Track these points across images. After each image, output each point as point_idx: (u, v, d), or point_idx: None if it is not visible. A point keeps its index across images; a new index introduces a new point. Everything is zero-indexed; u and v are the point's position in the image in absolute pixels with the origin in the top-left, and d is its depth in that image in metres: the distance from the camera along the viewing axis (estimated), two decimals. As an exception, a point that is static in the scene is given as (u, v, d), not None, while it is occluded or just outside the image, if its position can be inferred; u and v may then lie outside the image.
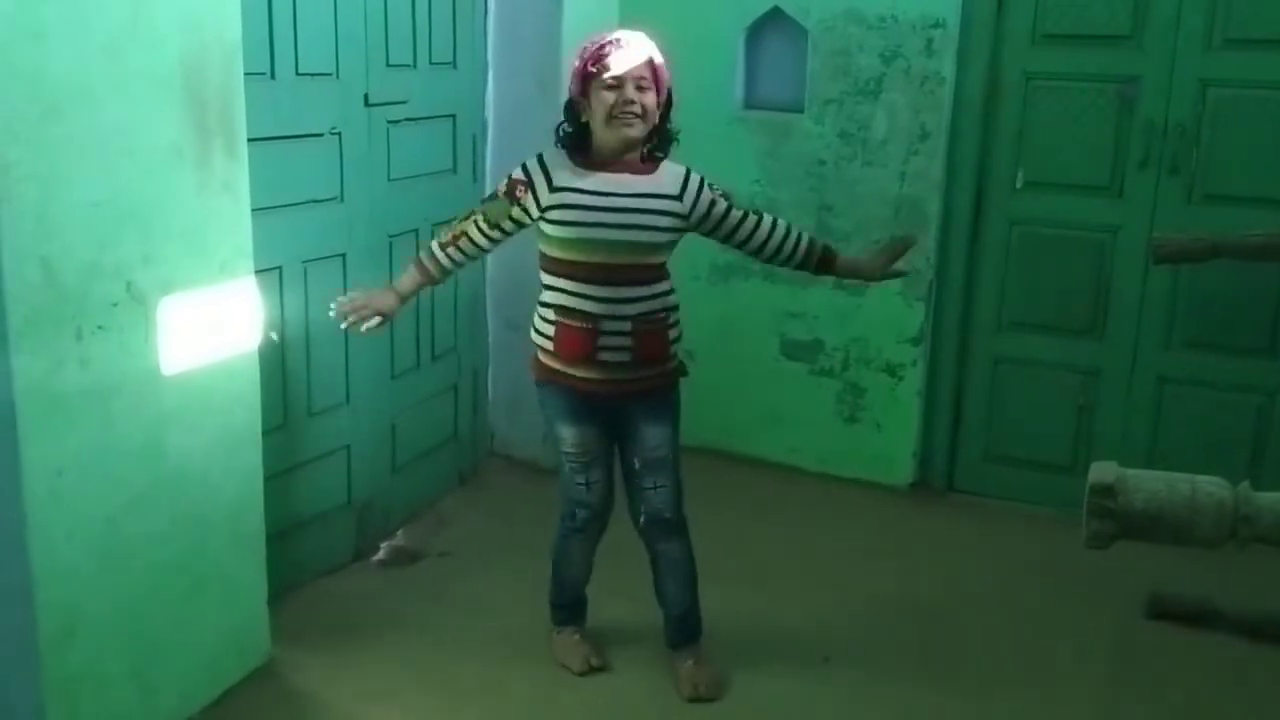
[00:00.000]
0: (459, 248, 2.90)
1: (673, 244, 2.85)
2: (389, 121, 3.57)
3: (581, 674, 3.06)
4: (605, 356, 2.78)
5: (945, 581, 3.65)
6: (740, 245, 2.90)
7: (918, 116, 4.06)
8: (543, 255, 2.84)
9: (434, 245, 2.94)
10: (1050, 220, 4.03)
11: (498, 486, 4.27)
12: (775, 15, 4.22)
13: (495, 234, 2.86)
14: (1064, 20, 3.88)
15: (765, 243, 2.88)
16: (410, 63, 3.66)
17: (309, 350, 3.37)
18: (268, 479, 3.00)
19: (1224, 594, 3.39)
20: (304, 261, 3.30)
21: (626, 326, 2.77)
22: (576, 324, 2.78)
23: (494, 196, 2.88)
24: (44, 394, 2.30)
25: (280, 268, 3.20)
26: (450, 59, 3.89)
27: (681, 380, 2.96)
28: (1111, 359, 4.03)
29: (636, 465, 2.91)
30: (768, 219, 2.89)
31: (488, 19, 4.10)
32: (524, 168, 2.81)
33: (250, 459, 2.91)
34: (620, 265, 2.75)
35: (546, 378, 2.89)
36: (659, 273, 2.83)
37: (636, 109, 2.69)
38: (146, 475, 2.58)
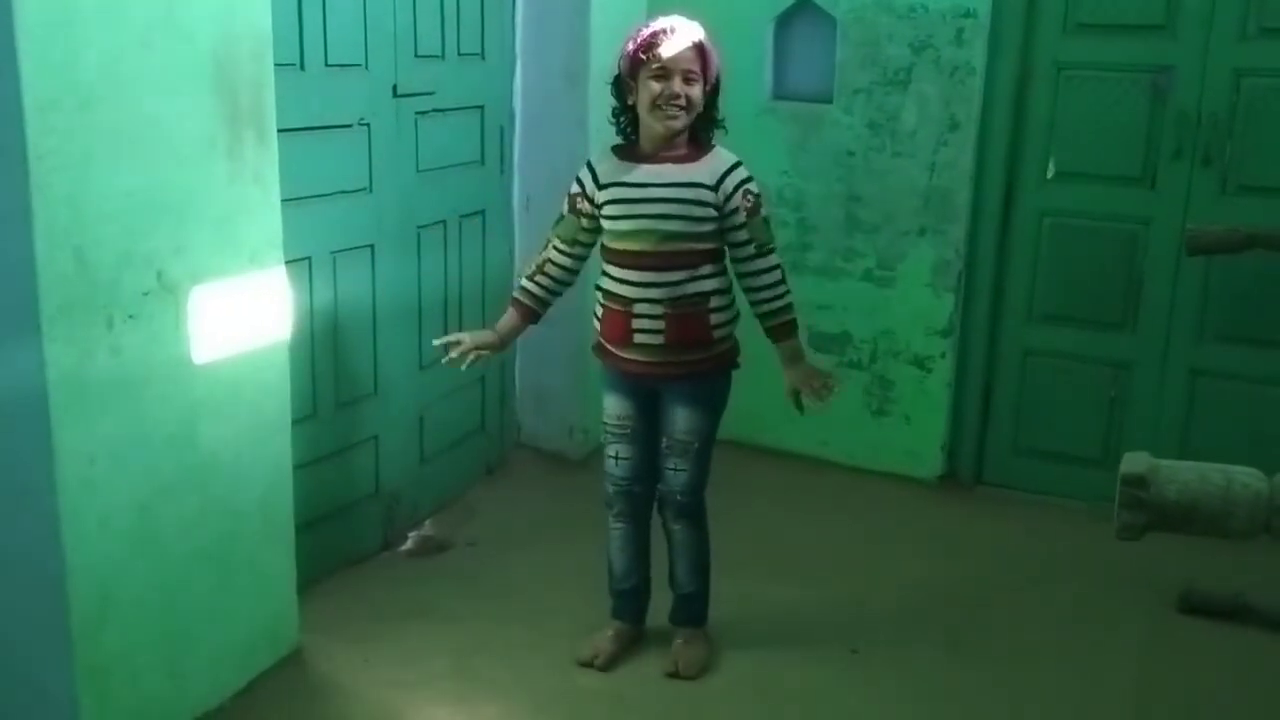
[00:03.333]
0: (545, 274, 2.99)
1: (715, 233, 2.84)
2: (417, 112, 3.58)
3: (579, 663, 3.08)
4: (640, 339, 2.87)
5: (974, 574, 3.64)
6: (731, 258, 2.91)
7: (948, 107, 4.03)
8: (601, 245, 2.94)
9: (523, 279, 3.03)
10: (1081, 211, 4.00)
11: (524, 478, 4.27)
12: (804, 5, 4.21)
13: (576, 249, 2.96)
14: (1096, 9, 3.85)
15: (749, 274, 2.90)
16: (439, 54, 3.67)
17: (337, 341, 3.38)
18: (297, 469, 3.02)
19: (1256, 589, 3.36)
20: (333, 252, 3.31)
21: (658, 310, 2.83)
22: (616, 307, 2.89)
23: (561, 218, 2.96)
24: (76, 382, 2.32)
25: (309, 258, 3.21)
26: (479, 50, 3.90)
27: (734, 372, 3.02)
28: (1143, 352, 3.99)
29: (664, 445, 2.98)
30: (767, 260, 2.89)
31: (516, 10, 4.10)
32: (577, 179, 2.92)
33: (280, 448, 2.93)
34: (654, 252, 2.82)
35: (600, 354, 3.01)
36: (700, 259, 2.83)
37: (682, 101, 2.75)
38: (177, 464, 2.60)
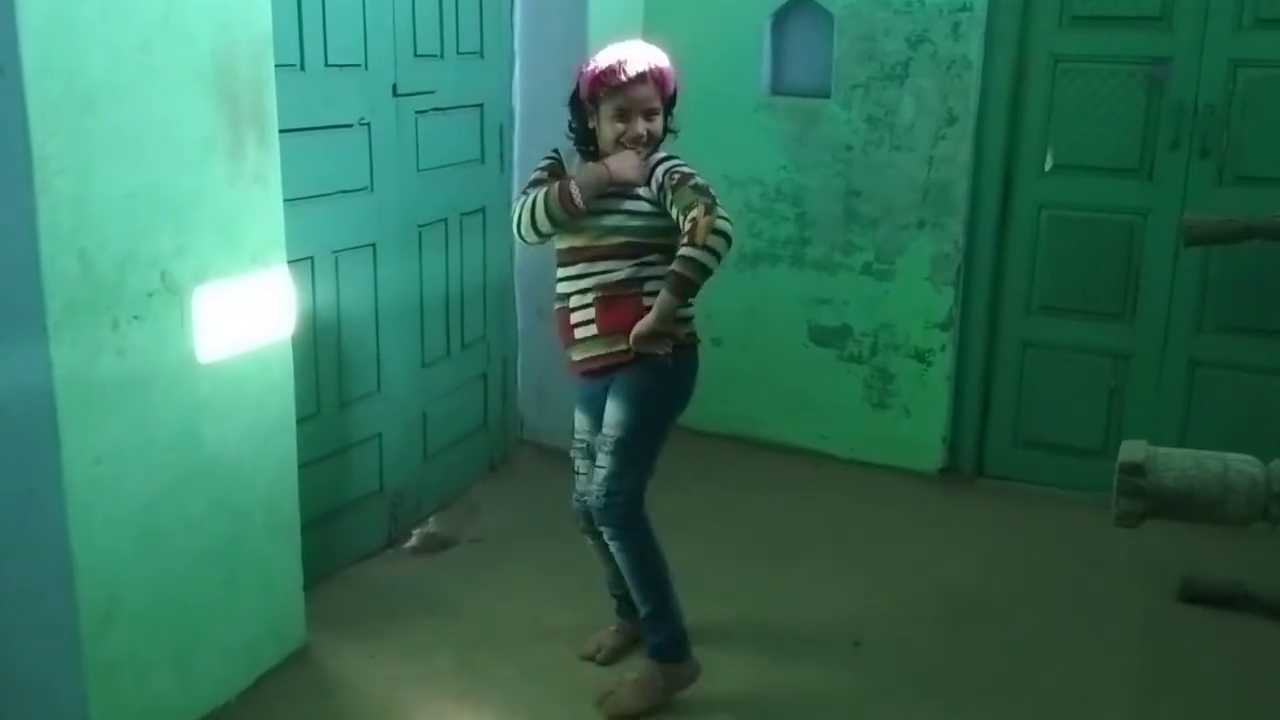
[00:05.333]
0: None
1: (653, 229, 2.76)
2: (417, 111, 3.59)
3: (581, 657, 3.07)
4: (579, 333, 2.83)
5: (975, 566, 3.65)
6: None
7: (945, 101, 4.04)
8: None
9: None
10: (1079, 203, 4.01)
11: (528, 474, 4.29)
12: (801, 0, 4.22)
13: None
14: (1092, 1, 3.86)
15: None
16: (438, 53, 3.68)
17: (341, 340, 3.39)
18: (301, 467, 3.03)
19: (1258, 578, 3.38)
20: (334, 251, 3.33)
21: (590, 299, 2.79)
22: (559, 306, 2.87)
23: (540, 182, 2.87)
24: (82, 383, 2.34)
25: (311, 258, 3.22)
26: (478, 49, 3.91)
27: (668, 371, 2.78)
28: (1142, 343, 4.01)
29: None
30: (693, 219, 2.63)
31: (515, 9, 4.12)
32: (549, 157, 2.92)
33: (284, 447, 2.95)
34: (590, 245, 2.79)
35: (566, 368, 2.96)
36: (639, 250, 2.77)
37: (644, 139, 2.76)
38: (183, 463, 2.62)
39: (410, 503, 3.78)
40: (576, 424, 2.99)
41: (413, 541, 3.73)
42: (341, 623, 3.18)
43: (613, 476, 2.81)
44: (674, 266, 2.66)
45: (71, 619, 2.41)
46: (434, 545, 3.72)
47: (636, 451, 2.82)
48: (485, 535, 3.80)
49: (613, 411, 2.82)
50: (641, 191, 2.76)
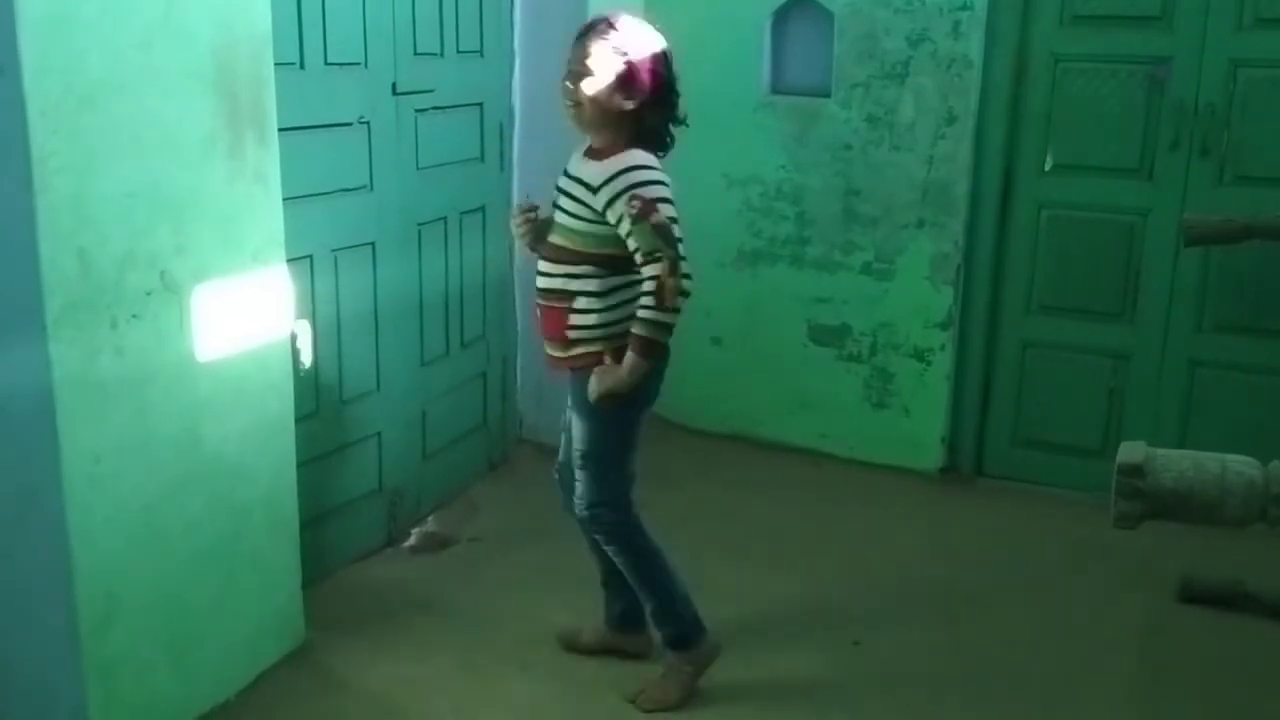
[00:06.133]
0: None
1: (596, 236, 2.66)
2: (417, 110, 3.59)
3: (561, 643, 3.12)
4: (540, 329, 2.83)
5: (975, 566, 3.65)
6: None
7: (945, 100, 4.04)
8: None
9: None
10: (1079, 203, 4.01)
11: (527, 473, 4.29)
12: (801, -1, 4.22)
13: None
14: (1093, 1, 3.86)
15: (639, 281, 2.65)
16: (438, 51, 3.68)
17: (340, 338, 3.39)
18: (300, 466, 3.04)
19: (1257, 578, 3.38)
20: (334, 250, 3.32)
21: (539, 299, 2.79)
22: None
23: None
24: (81, 382, 2.34)
25: (311, 256, 3.22)
26: (477, 47, 3.91)
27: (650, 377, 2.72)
28: (1142, 343, 4.01)
29: None
30: (648, 269, 2.58)
31: (514, 7, 4.11)
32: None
33: (284, 446, 2.95)
34: (553, 244, 2.75)
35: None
36: (578, 259, 2.68)
37: (569, 98, 2.67)
38: (182, 462, 2.62)
39: (409, 502, 3.78)
40: (562, 419, 2.95)
41: (412, 540, 3.73)
42: (340, 621, 3.18)
43: (590, 490, 2.81)
44: (639, 330, 2.60)
45: (71, 617, 2.41)
46: (433, 544, 3.73)
47: (606, 461, 2.80)
48: (484, 534, 3.80)
49: (575, 425, 2.81)
50: (584, 195, 2.66)
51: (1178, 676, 3.07)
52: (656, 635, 2.97)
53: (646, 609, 2.92)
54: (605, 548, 2.88)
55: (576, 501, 2.86)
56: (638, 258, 2.60)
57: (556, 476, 3.03)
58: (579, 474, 2.82)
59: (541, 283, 2.76)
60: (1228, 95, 3.73)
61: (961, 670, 3.09)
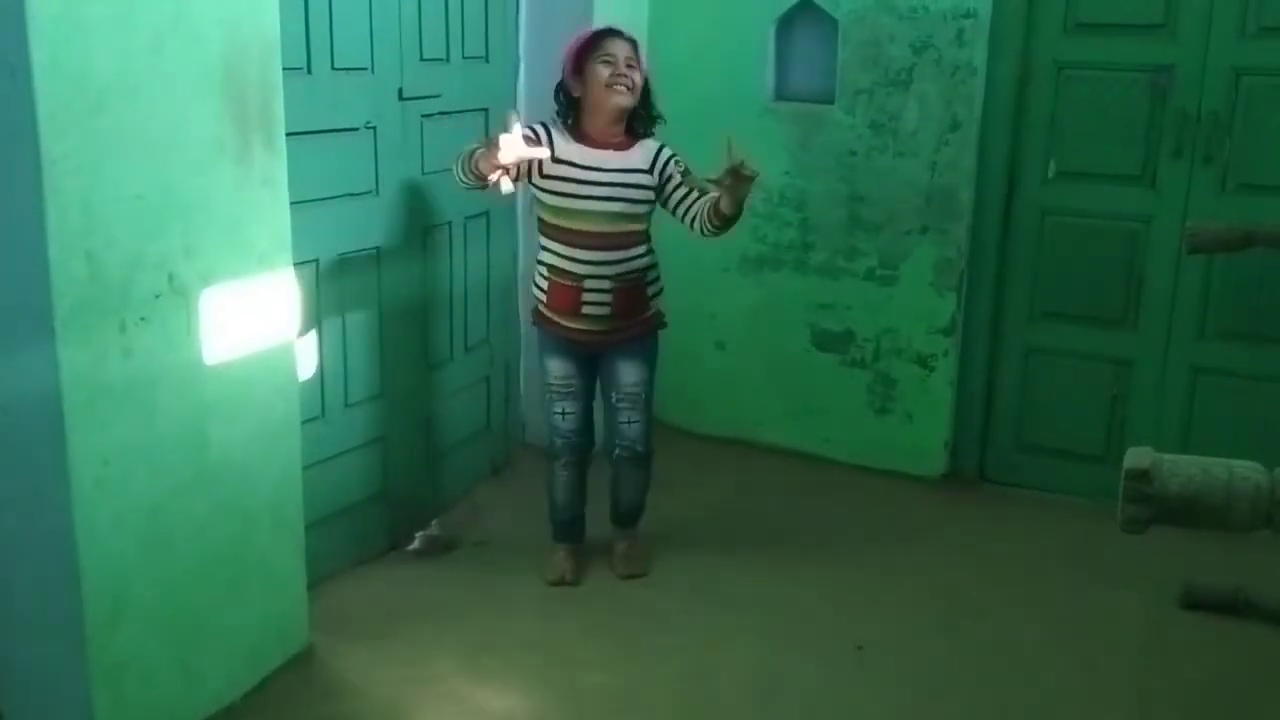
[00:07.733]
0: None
1: (649, 213, 3.26)
2: (423, 115, 3.60)
3: (550, 583, 3.46)
4: (588, 310, 3.23)
5: (978, 571, 3.66)
6: (675, 213, 3.23)
7: (949, 107, 4.05)
8: (539, 219, 3.28)
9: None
10: (1082, 210, 4.02)
11: (529, 477, 4.28)
12: (806, 6, 4.22)
13: None
14: (1096, 9, 3.87)
15: (697, 204, 3.13)
16: (444, 57, 3.69)
17: (345, 342, 3.40)
18: (305, 469, 3.04)
19: (1259, 584, 3.38)
20: (340, 254, 3.34)
21: (607, 285, 3.21)
22: (566, 282, 3.24)
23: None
24: (89, 384, 2.35)
25: (317, 260, 3.23)
26: (483, 53, 3.92)
27: (661, 331, 3.42)
28: (1144, 349, 4.01)
29: (614, 400, 3.37)
30: (699, 198, 3.12)
31: (520, 13, 4.13)
32: (534, 129, 3.15)
33: (289, 449, 2.95)
34: (603, 233, 3.18)
35: (541, 322, 3.36)
36: (638, 238, 3.25)
37: (628, 81, 3.14)
38: (189, 465, 2.63)
39: (413, 505, 3.79)
40: (558, 370, 3.36)
41: (416, 544, 3.74)
42: (345, 625, 3.19)
43: (648, 425, 3.43)
44: (727, 210, 3.00)
45: (77, 619, 2.42)
46: (437, 548, 3.73)
47: (652, 399, 3.43)
48: (488, 538, 3.81)
49: (633, 372, 3.33)
50: (645, 180, 3.19)
51: (1180, 683, 3.07)
52: (633, 526, 3.60)
53: (635, 504, 3.55)
54: (641, 473, 3.49)
55: (632, 444, 3.40)
56: (694, 194, 3.14)
57: (561, 443, 3.43)
58: (637, 415, 3.37)
59: (614, 270, 3.20)
60: (1230, 103, 3.74)
61: (964, 675, 3.09)
